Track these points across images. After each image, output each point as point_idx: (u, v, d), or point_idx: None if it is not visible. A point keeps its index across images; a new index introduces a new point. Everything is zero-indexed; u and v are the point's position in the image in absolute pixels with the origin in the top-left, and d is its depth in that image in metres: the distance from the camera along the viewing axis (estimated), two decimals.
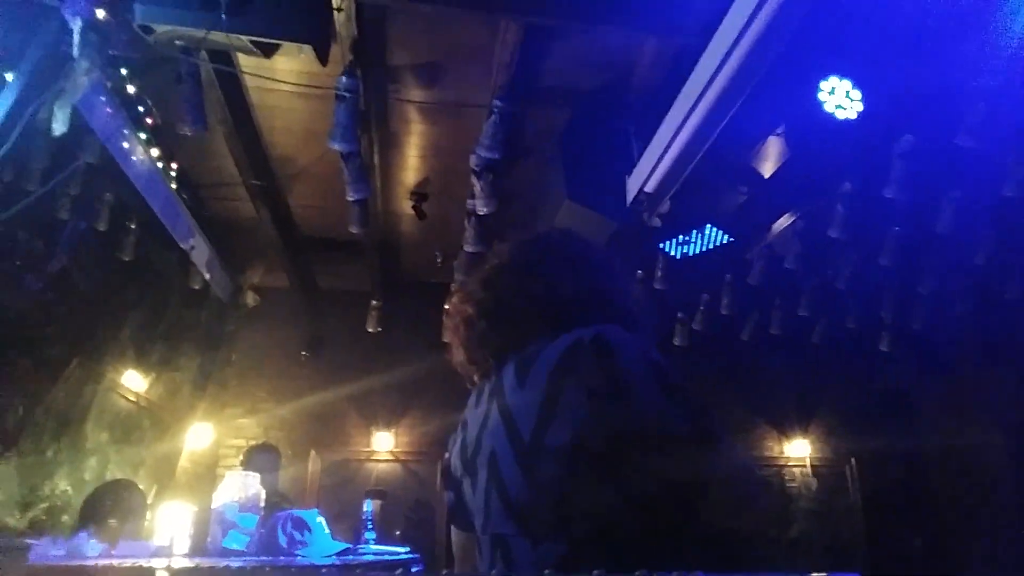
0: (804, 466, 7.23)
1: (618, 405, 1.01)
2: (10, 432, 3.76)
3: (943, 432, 6.92)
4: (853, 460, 7.22)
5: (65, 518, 4.00)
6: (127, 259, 4.37)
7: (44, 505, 4.01)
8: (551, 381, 1.06)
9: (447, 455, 1.32)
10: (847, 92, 3.36)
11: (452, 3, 3.11)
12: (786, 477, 7.22)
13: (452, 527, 1.34)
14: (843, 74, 3.34)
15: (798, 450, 7.24)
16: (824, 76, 3.38)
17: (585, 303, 1.21)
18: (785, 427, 7.31)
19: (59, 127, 2.58)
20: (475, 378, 1.29)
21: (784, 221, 4.89)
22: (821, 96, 3.43)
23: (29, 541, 2.59)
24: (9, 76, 2.59)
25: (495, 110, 3.59)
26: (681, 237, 5.21)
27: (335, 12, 3.06)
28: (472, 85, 3.82)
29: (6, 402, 3.72)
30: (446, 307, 1.35)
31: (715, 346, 6.46)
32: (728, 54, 2.96)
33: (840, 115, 3.42)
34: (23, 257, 3.75)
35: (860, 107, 3.39)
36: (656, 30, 3.32)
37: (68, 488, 4.21)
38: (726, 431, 1.04)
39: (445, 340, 1.35)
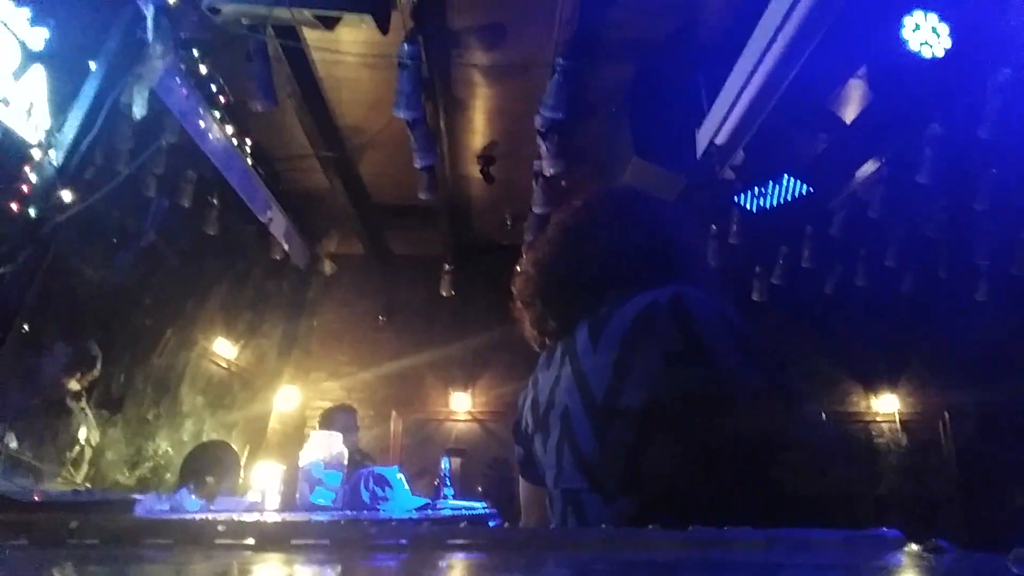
0: (893, 421, 6.98)
1: (696, 368, 1.01)
2: (115, 398, 4.06)
3: None
4: (946, 415, 6.91)
5: (168, 476, 4.31)
6: (211, 233, 4.58)
7: (149, 464, 4.33)
8: (625, 343, 1.06)
9: (518, 413, 1.35)
10: (933, 27, 3.14)
11: None
12: (874, 432, 6.99)
13: (521, 479, 1.37)
14: (928, 7, 3.11)
15: (886, 405, 6.98)
16: (908, 10, 3.17)
17: (655, 262, 1.19)
18: (872, 381, 7.06)
19: (139, 110, 2.71)
20: (546, 342, 1.29)
21: (868, 168, 4.66)
22: (905, 33, 3.21)
23: (137, 496, 2.81)
24: (92, 65, 2.73)
25: (557, 68, 3.54)
26: (757, 189, 5.04)
27: None
28: (534, 44, 3.76)
29: (111, 370, 4.00)
30: (513, 277, 1.35)
31: (796, 300, 6.26)
32: None
33: (926, 52, 3.20)
34: (117, 234, 3.99)
35: (948, 43, 3.17)
36: None
37: (169, 448, 4.52)
38: (805, 393, 1.02)
39: (514, 307, 1.35)
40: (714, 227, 5.26)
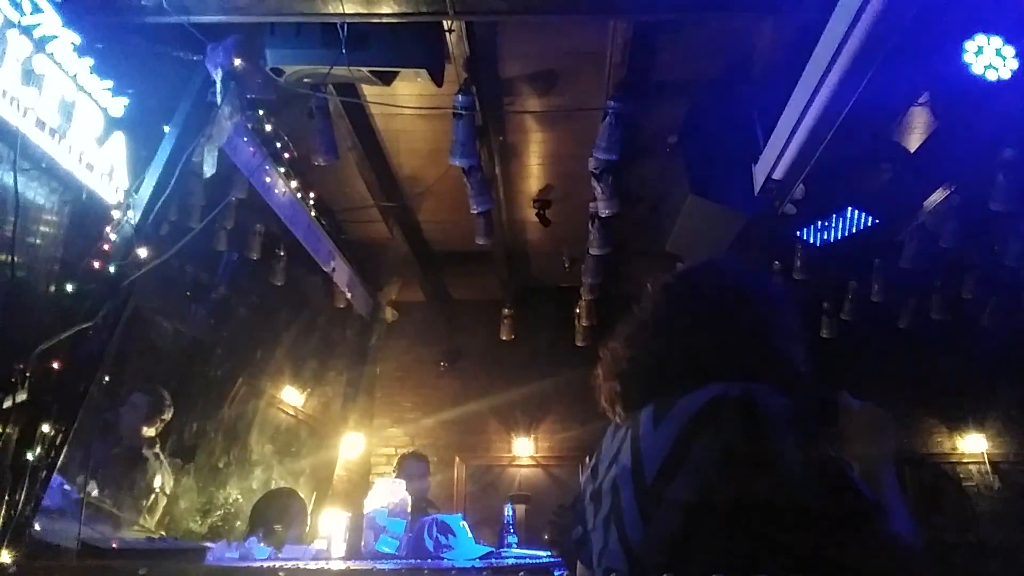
0: (982, 462, 6.57)
1: (755, 470, 0.97)
2: (188, 447, 4.19)
3: None
4: None
5: (238, 523, 4.39)
6: (278, 284, 4.73)
7: (220, 512, 4.42)
8: (686, 430, 1.03)
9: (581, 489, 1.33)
10: (997, 50, 3.04)
11: (559, 11, 3.12)
12: (962, 475, 6.60)
13: (578, 562, 1.34)
14: (990, 30, 3.02)
15: (973, 445, 6.59)
16: (968, 35, 3.08)
17: (736, 356, 1.14)
18: (956, 420, 6.69)
19: (209, 168, 2.86)
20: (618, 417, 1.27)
21: (937, 197, 4.49)
22: (967, 58, 3.12)
23: (208, 545, 2.87)
24: (166, 129, 2.90)
25: (610, 111, 3.57)
26: (820, 223, 4.92)
27: (447, 34, 3.17)
28: (586, 89, 3.81)
29: (184, 419, 4.14)
30: (602, 347, 1.31)
31: (869, 337, 6.04)
32: (857, 18, 2.76)
33: (991, 76, 3.10)
34: (191, 288, 4.18)
35: (1015, 64, 3.06)
36: (773, 9, 3.16)
37: (239, 496, 4.61)
38: (884, 510, 0.97)
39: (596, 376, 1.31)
40: (777, 263, 5.15)
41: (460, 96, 3.38)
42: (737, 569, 0.96)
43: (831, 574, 0.95)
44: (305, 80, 3.15)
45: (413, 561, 2.71)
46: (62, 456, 2.55)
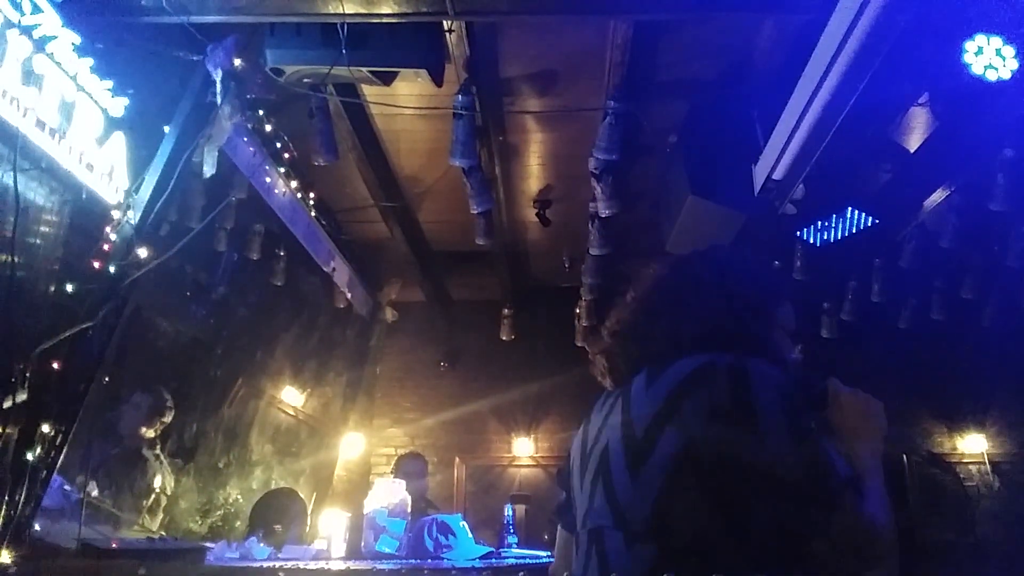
0: (982, 462, 6.57)
1: (739, 430, 1.02)
2: (188, 447, 4.19)
3: None
4: None
5: (238, 524, 4.39)
6: (278, 284, 4.73)
7: (220, 512, 4.42)
8: (677, 390, 1.08)
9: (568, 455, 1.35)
10: (997, 50, 3.04)
11: (559, 11, 3.13)
12: (961, 475, 6.60)
13: (559, 526, 1.37)
14: (991, 30, 3.02)
15: (973, 445, 6.60)
16: (968, 35, 3.08)
17: (718, 339, 1.18)
18: (956, 420, 6.69)
19: (209, 169, 2.87)
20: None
21: (937, 197, 4.49)
22: (967, 58, 3.12)
23: (208, 544, 2.88)
24: (166, 129, 2.90)
25: (609, 111, 3.57)
26: (820, 223, 4.93)
27: (447, 34, 3.17)
28: (586, 89, 3.81)
29: (184, 419, 4.14)
30: (590, 351, 1.36)
31: (868, 337, 6.03)
32: (857, 18, 2.76)
33: (992, 76, 3.10)
34: (191, 288, 4.18)
35: (1015, 65, 3.06)
36: (773, 9, 3.16)
37: (239, 496, 4.61)
38: (857, 489, 1.02)
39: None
40: (777, 263, 5.15)
41: (460, 96, 3.38)
42: (719, 521, 1.00)
43: (796, 544, 0.98)
44: (305, 80, 3.15)
45: (413, 561, 2.71)
46: (62, 456, 2.55)
